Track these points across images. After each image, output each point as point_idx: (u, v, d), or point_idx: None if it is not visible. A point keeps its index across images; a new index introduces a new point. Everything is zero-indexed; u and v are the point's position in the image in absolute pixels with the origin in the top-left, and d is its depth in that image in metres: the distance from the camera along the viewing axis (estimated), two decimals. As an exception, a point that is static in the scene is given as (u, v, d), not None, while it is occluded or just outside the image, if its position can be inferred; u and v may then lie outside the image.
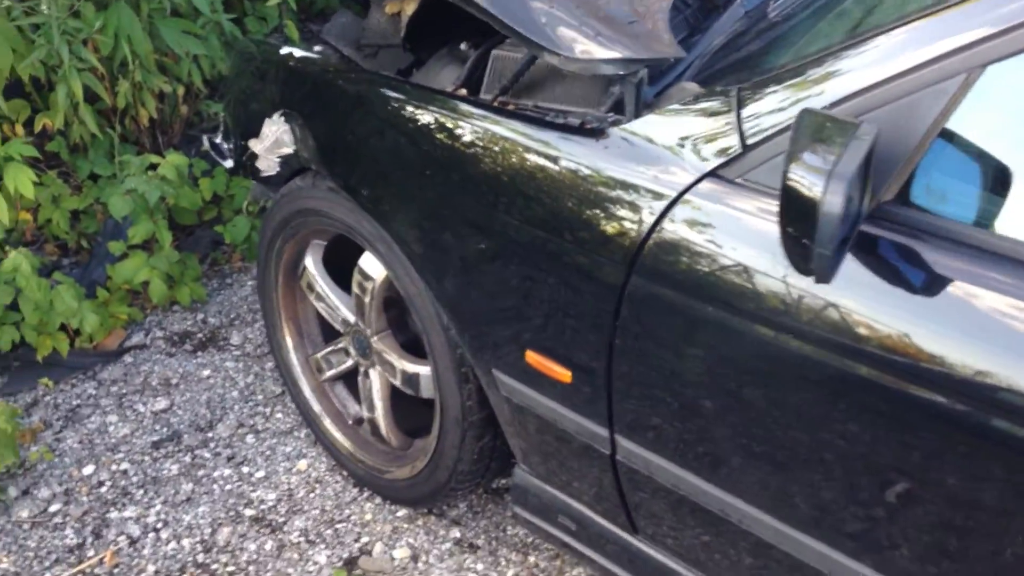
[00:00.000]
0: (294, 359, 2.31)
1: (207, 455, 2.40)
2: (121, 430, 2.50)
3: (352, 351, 2.13)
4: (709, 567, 1.57)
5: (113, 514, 2.25)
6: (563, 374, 1.59)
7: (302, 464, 2.35)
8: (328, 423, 2.27)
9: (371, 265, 1.95)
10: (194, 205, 2.94)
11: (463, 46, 1.97)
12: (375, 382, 2.08)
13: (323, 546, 2.13)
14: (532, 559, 2.06)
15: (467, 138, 1.64)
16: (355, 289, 2.01)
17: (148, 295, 2.85)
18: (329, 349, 2.19)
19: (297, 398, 2.33)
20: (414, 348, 2.05)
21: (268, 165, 2.15)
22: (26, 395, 2.62)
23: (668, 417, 1.46)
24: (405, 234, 1.76)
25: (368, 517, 2.19)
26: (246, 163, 2.23)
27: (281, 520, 2.20)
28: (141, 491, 2.31)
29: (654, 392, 1.46)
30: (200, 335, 2.84)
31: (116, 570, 2.10)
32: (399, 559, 2.09)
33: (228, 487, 2.30)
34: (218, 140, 2.37)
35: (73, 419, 2.54)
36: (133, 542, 2.17)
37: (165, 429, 2.49)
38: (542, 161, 1.53)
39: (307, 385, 2.30)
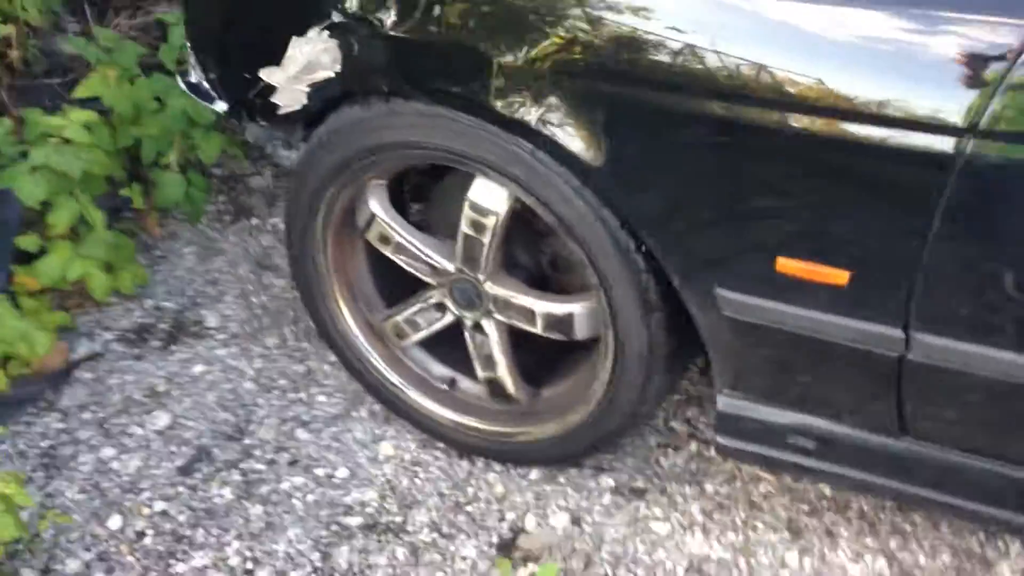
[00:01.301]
0: (354, 328, 1.90)
1: (259, 466, 1.96)
2: (129, 464, 1.99)
3: (450, 304, 1.76)
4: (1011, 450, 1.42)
5: (180, 568, 1.80)
6: (837, 276, 1.34)
7: (386, 448, 1.96)
8: (413, 394, 1.90)
9: (488, 196, 1.59)
10: (109, 171, 2.36)
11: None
12: (493, 334, 1.74)
13: (464, 537, 1.80)
14: (709, 488, 1.83)
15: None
16: (465, 228, 1.63)
17: (85, 292, 2.29)
18: (416, 308, 1.80)
19: (364, 374, 1.93)
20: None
21: (293, 98, 1.70)
22: (-28, 451, 2.04)
23: (1005, 301, 1.27)
24: (580, 146, 1.41)
25: (499, 490, 1.87)
26: (253, 101, 1.75)
27: (399, 520, 1.83)
28: (200, 531, 1.85)
29: (987, 274, 1.26)
30: (162, 326, 2.32)
31: (225, 634, 1.69)
32: (561, 528, 1.79)
33: (310, 498, 1.89)
34: (194, 79, 1.85)
35: (55, 465, 2.00)
36: (226, 594, 1.75)
37: (185, 448, 2.02)
38: (810, 25, 1.24)
39: (378, 355, 1.90)
